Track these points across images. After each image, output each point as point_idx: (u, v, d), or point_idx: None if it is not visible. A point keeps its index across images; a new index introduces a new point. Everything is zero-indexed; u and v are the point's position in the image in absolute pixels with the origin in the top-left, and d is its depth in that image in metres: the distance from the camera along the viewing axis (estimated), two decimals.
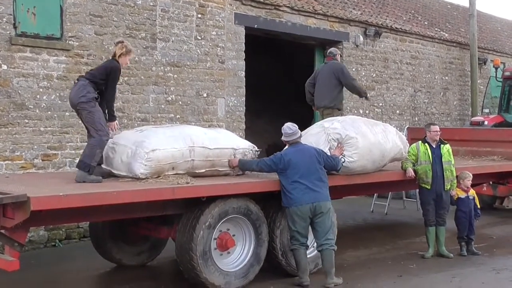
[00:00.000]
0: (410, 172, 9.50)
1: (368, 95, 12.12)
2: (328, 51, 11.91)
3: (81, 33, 10.53)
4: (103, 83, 7.64)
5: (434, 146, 9.61)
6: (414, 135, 12.89)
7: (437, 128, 9.73)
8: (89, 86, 7.52)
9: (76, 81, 7.78)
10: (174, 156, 7.52)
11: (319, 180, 7.84)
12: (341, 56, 15.73)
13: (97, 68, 7.93)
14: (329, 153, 8.29)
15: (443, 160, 9.53)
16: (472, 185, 10.21)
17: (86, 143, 7.84)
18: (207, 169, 7.91)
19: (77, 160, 10.27)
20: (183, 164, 7.63)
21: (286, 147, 8.17)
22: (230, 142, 8.23)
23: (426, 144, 9.65)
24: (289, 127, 8.03)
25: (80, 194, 6.43)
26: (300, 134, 8.14)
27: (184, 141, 7.68)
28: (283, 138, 8.10)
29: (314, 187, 7.75)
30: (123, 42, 7.93)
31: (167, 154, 7.46)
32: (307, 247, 7.94)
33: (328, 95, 11.18)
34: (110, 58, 7.95)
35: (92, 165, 7.42)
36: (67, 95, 10.24)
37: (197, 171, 7.80)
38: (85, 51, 10.57)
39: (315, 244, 8.04)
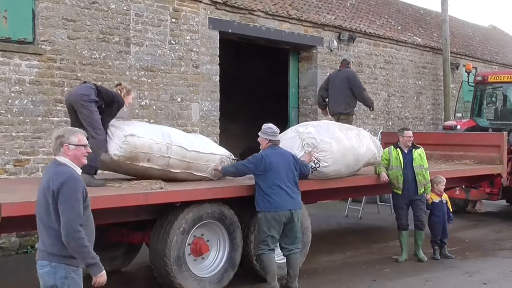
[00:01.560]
0: (384, 176, 9.55)
1: (374, 106, 12.62)
2: (343, 58, 13.02)
3: (53, 37, 10.44)
4: (103, 103, 7.55)
5: (406, 151, 9.66)
6: (388, 139, 12.93)
7: (410, 133, 9.78)
8: (94, 90, 7.49)
9: (81, 83, 7.79)
10: (151, 147, 7.52)
11: (296, 187, 7.79)
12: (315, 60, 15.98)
13: (107, 89, 7.85)
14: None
15: (414, 164, 9.55)
16: (445, 189, 10.30)
17: None
18: (182, 171, 7.87)
19: None
20: (159, 159, 7.60)
21: (265, 148, 7.92)
22: (207, 148, 8.20)
23: (398, 149, 9.70)
24: (275, 126, 7.92)
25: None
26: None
27: (162, 136, 7.72)
28: (269, 137, 7.86)
29: (293, 194, 7.68)
30: (121, 84, 7.99)
31: (144, 143, 7.48)
32: (274, 250, 7.78)
33: (344, 101, 11.94)
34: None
35: (96, 167, 7.45)
36: (39, 99, 10.20)
37: (172, 170, 7.76)
38: (58, 56, 10.49)
39: (284, 249, 7.85)
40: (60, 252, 4.64)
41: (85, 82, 7.85)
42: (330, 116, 12.44)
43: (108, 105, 7.61)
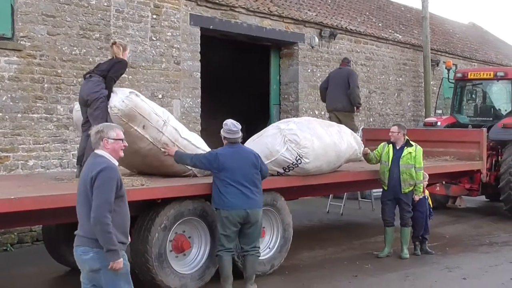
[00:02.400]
0: (366, 150, 9.77)
1: (360, 106, 12.80)
2: (344, 57, 13.34)
3: (33, 33, 10.35)
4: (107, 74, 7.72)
5: (397, 148, 9.65)
6: (369, 136, 13.02)
7: (393, 129, 9.77)
8: (102, 83, 7.60)
9: (87, 77, 7.79)
10: (150, 115, 7.58)
11: (254, 186, 7.53)
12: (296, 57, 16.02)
13: (104, 63, 7.95)
14: (286, 153, 8.29)
15: (401, 162, 9.51)
16: (426, 185, 10.35)
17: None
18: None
19: (30, 162, 10.21)
20: (153, 131, 7.62)
21: (224, 146, 7.75)
22: (198, 142, 8.26)
23: (390, 145, 9.71)
24: (234, 124, 7.65)
25: (32, 197, 6.33)
26: (241, 135, 7.75)
27: (163, 113, 7.90)
28: (225, 134, 7.67)
29: (249, 193, 7.45)
30: (115, 42, 8.04)
31: (146, 108, 7.56)
32: (232, 253, 7.64)
33: (342, 99, 12.11)
34: (114, 58, 7.95)
35: None
36: (19, 96, 10.11)
37: (162, 149, 7.74)
38: (37, 52, 10.40)
39: (242, 249, 7.72)
40: None
41: (90, 74, 7.81)
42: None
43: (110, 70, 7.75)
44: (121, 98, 7.42)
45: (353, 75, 12.38)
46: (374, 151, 9.82)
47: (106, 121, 7.40)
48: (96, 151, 5.24)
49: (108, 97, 7.51)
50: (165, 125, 7.75)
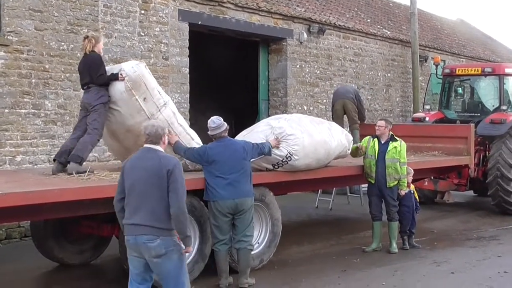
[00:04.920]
0: (362, 146, 9.84)
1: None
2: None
3: (20, 28, 10.30)
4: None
5: (382, 142, 9.70)
6: (365, 131, 13.01)
7: (380, 123, 9.82)
8: (101, 91, 7.87)
9: (85, 88, 8.03)
10: (153, 90, 7.88)
11: (242, 176, 7.67)
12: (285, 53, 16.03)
13: (89, 70, 7.99)
14: (276, 150, 8.33)
15: (386, 156, 9.57)
16: (414, 180, 10.39)
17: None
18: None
19: (17, 158, 10.17)
20: (152, 106, 7.84)
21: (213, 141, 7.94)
22: (192, 133, 8.37)
23: (375, 139, 9.75)
24: (213, 121, 7.81)
25: (20, 192, 6.29)
26: (226, 128, 7.86)
27: (165, 95, 8.18)
28: (208, 132, 7.85)
29: (236, 183, 7.59)
30: (87, 36, 8.17)
31: (151, 82, 7.90)
32: (228, 246, 7.75)
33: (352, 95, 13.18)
34: (86, 54, 8.09)
35: (84, 158, 7.80)
36: (6, 91, 10.07)
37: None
38: (25, 47, 10.35)
39: (233, 240, 7.80)
40: (168, 226, 5.47)
41: (87, 86, 8.00)
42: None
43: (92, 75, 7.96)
44: (131, 64, 7.87)
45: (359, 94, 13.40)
46: (359, 145, 9.89)
47: (103, 126, 7.88)
48: (153, 146, 5.62)
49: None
50: (164, 106, 7.96)
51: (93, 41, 8.04)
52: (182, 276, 5.67)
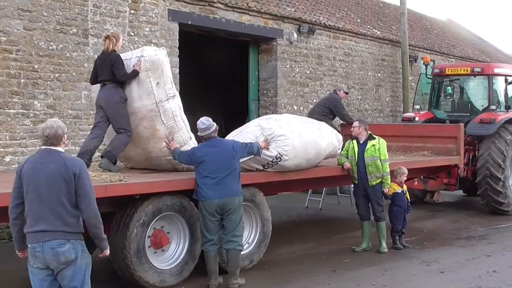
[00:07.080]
0: (347, 165, 9.67)
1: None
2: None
3: (9, 27, 10.25)
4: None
5: (361, 142, 9.73)
6: (348, 131, 12.95)
7: (355, 124, 9.95)
8: (119, 88, 8.07)
9: (101, 85, 8.13)
10: (167, 79, 8.03)
11: (230, 175, 7.69)
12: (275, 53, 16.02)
13: (110, 67, 8.06)
14: (266, 151, 8.32)
15: (365, 155, 9.60)
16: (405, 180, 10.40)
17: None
18: (166, 128, 8.07)
19: (6, 158, 10.12)
20: (162, 93, 7.98)
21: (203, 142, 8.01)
22: (191, 134, 8.39)
23: (354, 140, 9.80)
24: (202, 122, 7.84)
25: (9, 193, 6.23)
26: (216, 128, 7.92)
27: (175, 89, 8.29)
28: (198, 134, 7.91)
29: (223, 183, 7.60)
30: (108, 36, 8.27)
31: (168, 70, 8.08)
32: (217, 246, 7.74)
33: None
34: (106, 53, 8.16)
35: (116, 156, 8.17)
36: None
37: (162, 118, 8.00)
38: (13, 47, 10.30)
39: (223, 240, 7.78)
40: (77, 230, 5.19)
41: (103, 83, 8.11)
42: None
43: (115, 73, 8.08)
44: (154, 48, 8.24)
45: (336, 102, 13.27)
46: (342, 152, 9.88)
47: (129, 123, 8.04)
48: (54, 148, 5.20)
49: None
50: (173, 97, 8.11)
51: (114, 40, 8.17)
52: (85, 286, 5.28)
